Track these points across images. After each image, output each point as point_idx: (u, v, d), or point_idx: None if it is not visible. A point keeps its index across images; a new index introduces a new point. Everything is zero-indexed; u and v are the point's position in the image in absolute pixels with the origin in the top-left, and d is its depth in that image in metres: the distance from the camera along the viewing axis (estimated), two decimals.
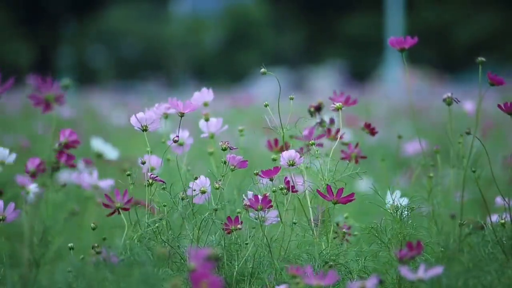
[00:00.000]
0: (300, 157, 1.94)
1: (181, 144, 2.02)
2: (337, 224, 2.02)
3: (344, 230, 2.03)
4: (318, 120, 2.18)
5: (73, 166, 2.05)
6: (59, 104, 1.98)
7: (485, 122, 5.23)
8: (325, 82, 19.72)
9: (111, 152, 2.90)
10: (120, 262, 1.74)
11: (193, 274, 1.50)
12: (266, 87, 15.67)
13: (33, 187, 2.05)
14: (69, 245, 1.92)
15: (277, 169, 1.93)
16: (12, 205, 1.95)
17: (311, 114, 2.18)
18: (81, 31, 28.72)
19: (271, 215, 1.93)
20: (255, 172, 1.95)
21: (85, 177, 2.66)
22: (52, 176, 2.01)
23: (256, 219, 1.90)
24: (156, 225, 1.90)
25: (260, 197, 1.88)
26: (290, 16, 29.53)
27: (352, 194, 1.91)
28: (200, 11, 29.39)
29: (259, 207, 1.88)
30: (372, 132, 2.19)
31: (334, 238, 1.98)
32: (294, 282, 1.70)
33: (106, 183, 2.64)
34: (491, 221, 1.95)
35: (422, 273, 1.67)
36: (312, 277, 1.66)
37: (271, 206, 1.90)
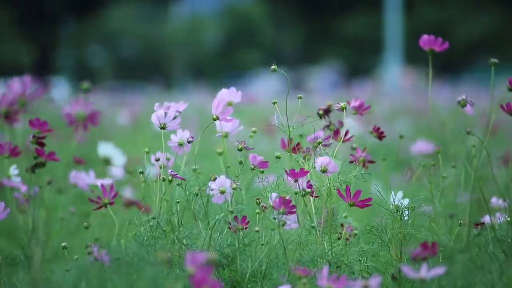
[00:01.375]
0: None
1: (181, 144, 2.03)
2: (342, 225, 2.02)
3: (349, 231, 2.02)
4: (327, 123, 2.18)
5: (56, 160, 2.04)
6: (93, 124, 1.97)
7: (493, 122, 5.22)
8: (324, 82, 19.73)
9: (118, 158, 2.87)
10: (124, 263, 1.75)
11: (193, 278, 1.50)
12: (266, 87, 15.68)
13: (13, 170, 2.05)
14: (63, 244, 1.95)
15: (304, 172, 1.93)
16: (2, 204, 1.95)
17: (320, 116, 2.18)
18: (80, 31, 28.73)
19: (291, 218, 1.94)
20: (260, 170, 1.96)
21: (83, 176, 2.66)
22: (34, 172, 2.01)
23: (275, 219, 1.90)
24: (151, 224, 1.91)
25: (283, 200, 1.87)
26: (290, 15, 29.54)
27: (369, 199, 1.91)
28: (200, 11, 29.40)
29: (281, 210, 1.87)
30: (380, 136, 2.19)
31: (338, 238, 1.99)
32: (301, 283, 1.70)
33: (105, 183, 2.63)
34: (491, 221, 1.96)
35: (424, 272, 1.67)
36: (323, 280, 1.66)
37: (294, 212, 1.90)
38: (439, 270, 1.66)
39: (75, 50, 28.42)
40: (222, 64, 27.49)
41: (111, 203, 1.96)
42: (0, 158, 2.04)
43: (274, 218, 1.89)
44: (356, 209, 1.98)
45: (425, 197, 2.03)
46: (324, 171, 1.94)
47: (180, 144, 2.03)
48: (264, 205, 1.91)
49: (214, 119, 2.02)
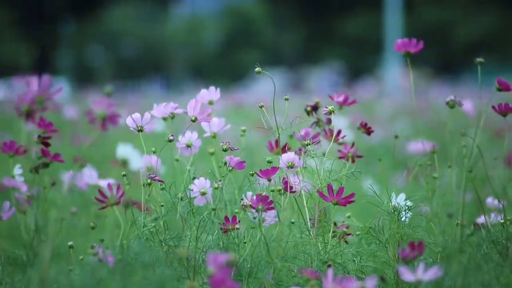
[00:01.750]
0: (299, 159, 1.95)
1: (189, 146, 2.02)
2: (335, 224, 2.03)
3: (343, 229, 2.03)
4: (315, 120, 2.19)
5: (61, 162, 2.05)
6: (113, 124, 1.98)
7: (495, 124, 5.22)
8: (324, 82, 19.72)
9: (136, 161, 2.85)
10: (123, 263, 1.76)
11: (213, 279, 1.53)
12: (266, 87, 15.68)
13: (17, 170, 2.05)
14: (69, 243, 1.96)
15: (275, 169, 1.94)
16: (7, 203, 1.96)
17: (308, 113, 2.18)
18: (80, 31, 28.72)
19: (270, 215, 1.94)
20: (251, 172, 1.96)
21: (85, 177, 2.66)
22: (38, 172, 2.01)
23: (255, 219, 1.91)
24: (153, 225, 1.91)
25: (261, 197, 1.88)
26: (290, 16, 29.53)
27: (352, 195, 1.91)
28: (200, 11, 29.39)
29: (259, 207, 1.88)
30: (368, 131, 2.20)
31: (333, 237, 1.99)
32: (310, 285, 1.70)
33: (107, 182, 2.63)
34: (486, 221, 1.96)
35: (421, 274, 1.67)
36: (329, 282, 1.66)
37: (273, 208, 1.90)
38: (436, 271, 1.66)
39: (75, 50, 28.42)
40: (222, 64, 27.48)
41: (117, 203, 1.96)
42: (3, 157, 2.05)
43: (254, 218, 1.90)
44: (352, 210, 1.98)
45: (422, 197, 2.03)
46: (291, 166, 1.95)
47: (188, 146, 2.02)
48: (244, 203, 1.92)
49: (193, 121, 2.01)
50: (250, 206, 1.90)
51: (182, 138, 2.02)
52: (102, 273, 1.68)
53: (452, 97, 2.05)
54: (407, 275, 1.67)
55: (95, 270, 1.70)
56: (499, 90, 2.01)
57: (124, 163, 2.85)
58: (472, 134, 1.98)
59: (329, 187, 1.91)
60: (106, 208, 1.95)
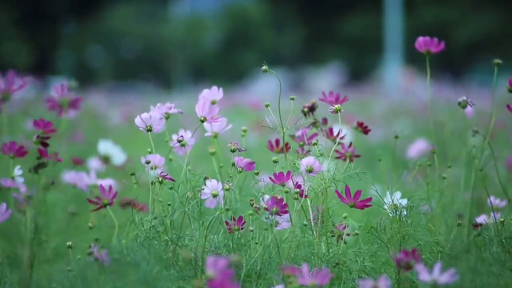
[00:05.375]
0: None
1: (183, 145, 2.02)
2: (333, 224, 2.02)
3: (340, 230, 2.02)
4: (312, 120, 2.19)
5: (59, 161, 2.05)
6: (74, 109, 1.97)
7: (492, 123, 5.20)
8: (324, 83, 19.73)
9: (118, 156, 2.87)
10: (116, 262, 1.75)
11: (212, 282, 1.50)
12: (265, 87, 15.67)
13: (16, 171, 2.04)
14: (68, 243, 1.95)
15: (289, 174, 1.93)
16: (3, 205, 1.95)
17: (305, 114, 2.18)
18: (80, 31, 28.72)
19: (283, 218, 1.93)
20: (255, 172, 1.96)
21: (84, 176, 2.65)
22: (38, 172, 2.01)
23: (267, 219, 1.89)
24: (152, 224, 1.91)
25: (276, 200, 1.87)
26: (289, 16, 29.52)
27: (369, 199, 1.91)
28: (199, 11, 29.39)
29: (274, 210, 1.87)
30: (365, 131, 2.20)
31: (332, 237, 1.99)
32: (288, 281, 1.70)
33: (106, 183, 2.62)
34: (495, 221, 1.95)
35: (437, 275, 1.64)
36: (306, 277, 1.66)
37: (287, 212, 1.89)
38: (452, 275, 1.63)
39: (75, 50, 28.41)
40: (222, 64, 27.47)
41: (110, 204, 1.96)
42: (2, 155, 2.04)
43: (267, 218, 1.89)
44: (352, 209, 1.98)
45: (423, 197, 2.03)
46: (310, 171, 1.94)
47: (182, 145, 2.02)
48: (257, 206, 1.91)
49: (202, 121, 2.01)
50: (265, 208, 1.88)
51: (176, 136, 2.02)
52: (94, 272, 1.67)
53: (464, 98, 2.04)
54: (423, 275, 1.64)
55: (88, 269, 1.69)
56: (511, 91, 1.98)
57: (107, 159, 2.86)
58: (469, 135, 1.97)
59: (347, 189, 1.91)
60: (100, 209, 1.95)
